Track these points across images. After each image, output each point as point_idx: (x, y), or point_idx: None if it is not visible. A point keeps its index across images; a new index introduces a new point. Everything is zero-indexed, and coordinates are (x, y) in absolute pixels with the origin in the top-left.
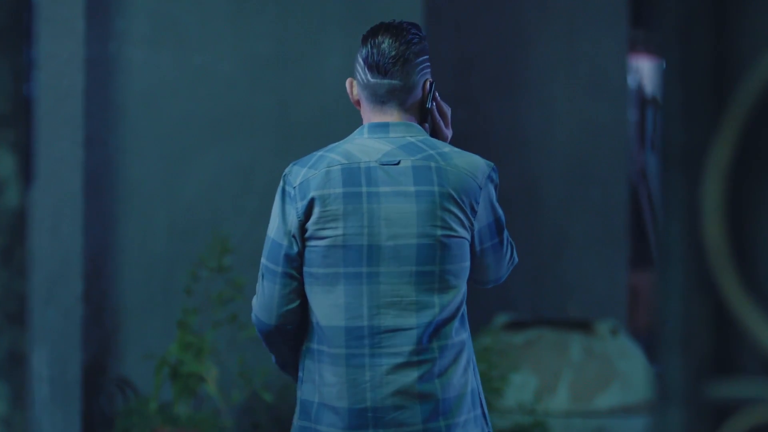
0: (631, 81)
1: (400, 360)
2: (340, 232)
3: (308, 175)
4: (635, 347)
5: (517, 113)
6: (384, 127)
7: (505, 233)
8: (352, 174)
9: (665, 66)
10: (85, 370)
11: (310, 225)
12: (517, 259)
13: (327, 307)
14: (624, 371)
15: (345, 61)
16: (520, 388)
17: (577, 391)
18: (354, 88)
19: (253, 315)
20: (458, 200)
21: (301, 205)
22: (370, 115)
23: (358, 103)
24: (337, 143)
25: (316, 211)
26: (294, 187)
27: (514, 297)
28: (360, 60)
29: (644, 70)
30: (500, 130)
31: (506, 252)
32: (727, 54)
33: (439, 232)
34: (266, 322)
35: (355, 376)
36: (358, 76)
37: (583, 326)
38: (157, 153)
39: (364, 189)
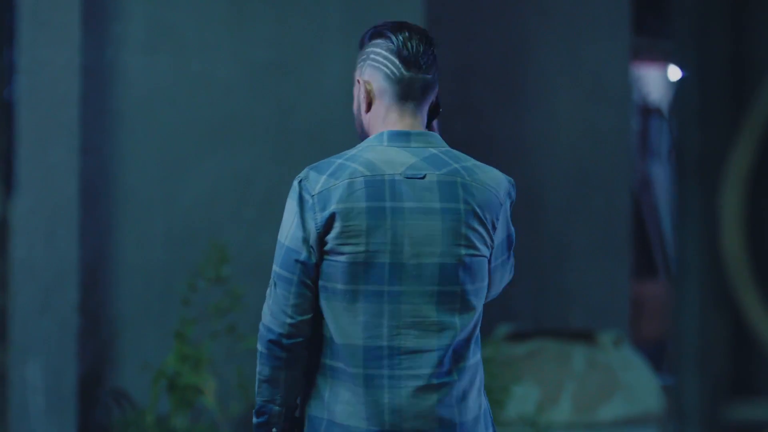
0: (633, 89)
1: (420, 383)
2: (362, 248)
3: (328, 185)
4: (638, 358)
5: (519, 121)
6: (405, 136)
7: (512, 249)
8: (375, 187)
9: (681, 69)
10: (81, 381)
11: (330, 239)
12: (513, 275)
13: (344, 324)
14: (627, 382)
15: (345, 68)
16: (522, 399)
17: (580, 402)
18: (369, 88)
19: (261, 325)
20: (482, 217)
21: (321, 216)
22: (384, 118)
23: (369, 106)
24: (354, 151)
25: (338, 225)
26: (312, 196)
27: (516, 307)
28: (386, 54)
29: (647, 79)
30: (502, 139)
31: (510, 268)
32: (746, 56)
33: (463, 251)
34: (277, 331)
35: (373, 398)
36: (384, 71)
37: (586, 337)
38: (154, 161)
39: (388, 204)
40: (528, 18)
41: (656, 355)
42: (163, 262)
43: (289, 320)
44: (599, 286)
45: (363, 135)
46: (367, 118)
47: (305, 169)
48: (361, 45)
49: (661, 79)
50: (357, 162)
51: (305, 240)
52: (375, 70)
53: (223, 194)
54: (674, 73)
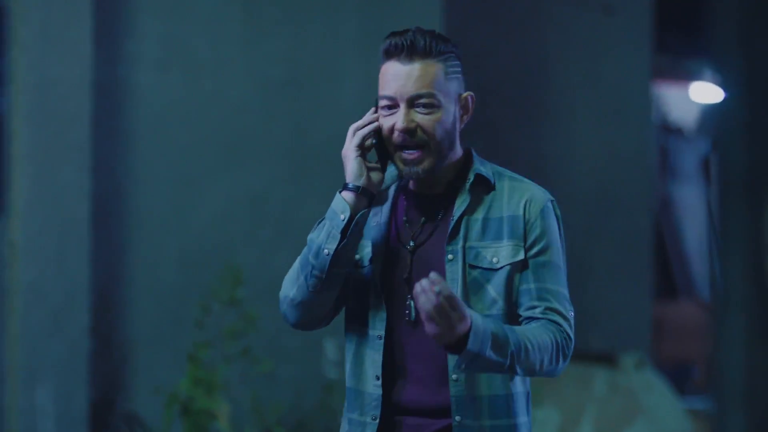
0: (654, 108)
1: None
2: None
3: None
4: (660, 381)
5: (538, 140)
6: None
7: None
8: None
9: (723, 79)
10: (92, 406)
11: None
12: None
13: None
14: (649, 406)
15: (361, 85)
16: (543, 423)
17: (602, 426)
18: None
19: None
20: None
21: None
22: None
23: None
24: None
25: None
26: None
27: None
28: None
29: (668, 97)
30: (520, 157)
31: None
32: None
33: None
34: None
35: None
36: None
37: (607, 360)
38: (167, 180)
39: None
40: (548, 36)
41: (678, 377)
42: (176, 284)
43: None
44: (620, 308)
45: (447, 152)
46: (456, 135)
47: (547, 191)
48: (446, 53)
49: (682, 98)
50: None
51: None
52: (465, 86)
53: (237, 214)
54: (698, 91)
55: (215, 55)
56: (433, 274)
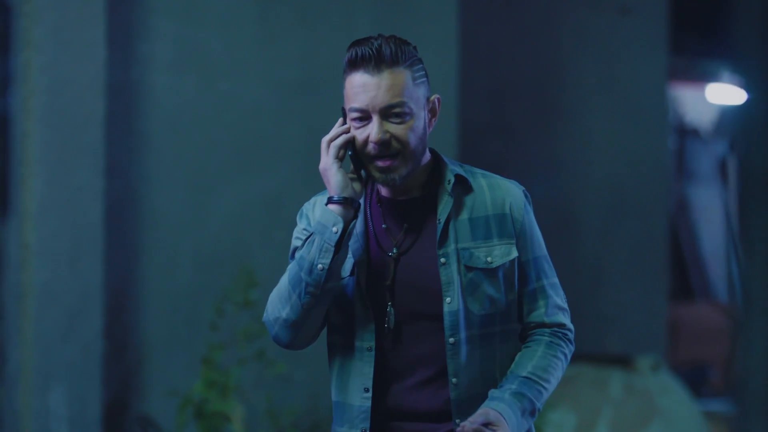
0: (670, 110)
1: None
2: None
3: None
4: (677, 383)
5: (554, 142)
6: None
7: None
8: None
9: (745, 81)
10: (106, 409)
11: None
12: None
13: None
14: (665, 408)
15: None
16: (559, 426)
17: (618, 429)
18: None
19: None
20: None
21: None
22: None
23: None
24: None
25: None
26: None
27: None
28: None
29: (684, 99)
30: (536, 160)
31: None
32: None
33: None
34: None
35: None
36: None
37: (623, 362)
38: (180, 182)
39: None
40: (563, 37)
41: (694, 379)
42: (190, 286)
43: None
44: (636, 310)
45: (420, 158)
46: (426, 139)
47: (516, 182)
48: (411, 59)
49: (698, 99)
50: None
51: None
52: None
53: (252, 216)
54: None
55: (230, 57)
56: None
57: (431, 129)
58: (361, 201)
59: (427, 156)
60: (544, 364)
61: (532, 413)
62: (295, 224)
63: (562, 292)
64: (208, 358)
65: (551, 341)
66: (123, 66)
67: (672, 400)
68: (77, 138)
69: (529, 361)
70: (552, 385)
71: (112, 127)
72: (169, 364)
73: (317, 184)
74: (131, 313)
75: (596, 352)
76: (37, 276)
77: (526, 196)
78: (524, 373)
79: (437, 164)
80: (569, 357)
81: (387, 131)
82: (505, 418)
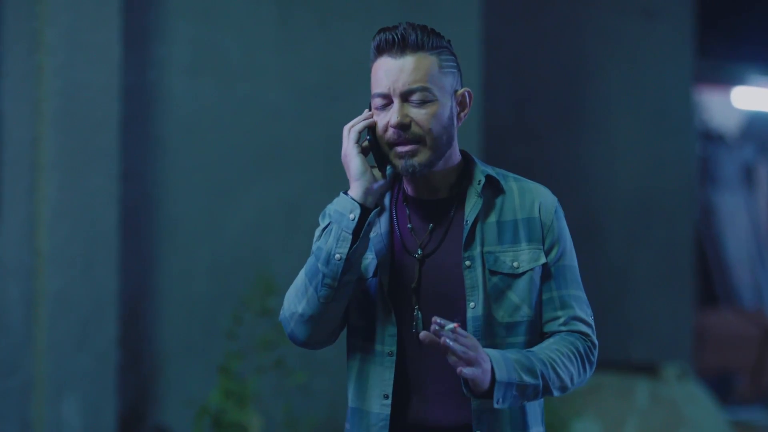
0: (696, 114)
1: None
2: None
3: None
4: (703, 392)
5: (579, 147)
6: None
7: None
8: None
9: None
10: (121, 419)
11: None
12: None
13: None
14: (691, 417)
15: None
16: None
17: None
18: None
19: None
20: None
21: None
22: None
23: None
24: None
25: None
26: None
27: None
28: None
29: (710, 103)
30: (561, 165)
31: None
32: None
33: None
34: None
35: None
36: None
37: (649, 370)
38: (198, 188)
39: None
40: (588, 41)
41: (721, 387)
42: (207, 294)
43: None
44: (661, 318)
45: (444, 149)
46: (454, 132)
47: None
48: (439, 47)
49: (724, 103)
50: None
51: None
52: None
53: (270, 222)
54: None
55: (248, 60)
56: (435, 321)
57: (460, 123)
58: (387, 201)
59: (458, 156)
60: (551, 348)
61: (531, 372)
62: (313, 230)
63: (588, 309)
64: (226, 367)
65: (563, 336)
66: (139, 68)
67: (698, 408)
68: (91, 142)
69: (537, 348)
70: (562, 368)
71: (128, 132)
72: (185, 374)
73: (337, 190)
74: (147, 321)
75: (621, 360)
76: (50, 283)
77: (558, 203)
78: (527, 351)
79: (468, 165)
80: (586, 362)
81: (407, 115)
82: (490, 356)
